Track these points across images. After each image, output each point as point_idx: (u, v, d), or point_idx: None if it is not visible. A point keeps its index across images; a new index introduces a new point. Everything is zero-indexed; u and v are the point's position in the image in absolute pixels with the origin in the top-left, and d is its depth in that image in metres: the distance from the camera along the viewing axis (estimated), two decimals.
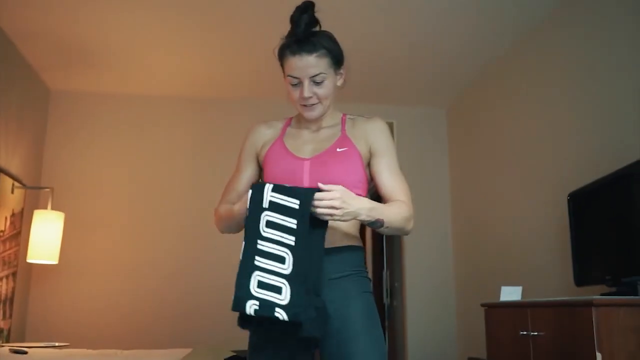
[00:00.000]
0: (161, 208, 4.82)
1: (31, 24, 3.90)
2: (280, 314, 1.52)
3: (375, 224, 1.67)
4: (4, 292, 4.05)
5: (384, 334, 5.95)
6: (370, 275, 6.05)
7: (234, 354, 2.98)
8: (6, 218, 4.06)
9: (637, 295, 2.47)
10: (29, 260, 4.12)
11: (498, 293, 3.62)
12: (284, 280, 1.55)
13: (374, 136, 1.84)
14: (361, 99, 4.89)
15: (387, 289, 6.09)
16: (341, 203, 1.55)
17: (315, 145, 1.85)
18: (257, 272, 1.56)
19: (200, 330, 4.70)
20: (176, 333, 4.69)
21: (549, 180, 3.67)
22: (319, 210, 1.54)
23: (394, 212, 1.72)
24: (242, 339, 3.79)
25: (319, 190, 1.58)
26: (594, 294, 2.73)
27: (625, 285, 2.53)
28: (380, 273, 6.25)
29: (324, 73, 1.76)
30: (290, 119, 1.98)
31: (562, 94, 3.57)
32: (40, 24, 3.91)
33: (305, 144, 1.86)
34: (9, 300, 4.15)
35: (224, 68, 4.61)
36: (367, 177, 1.86)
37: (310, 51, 1.74)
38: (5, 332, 4.07)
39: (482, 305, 3.20)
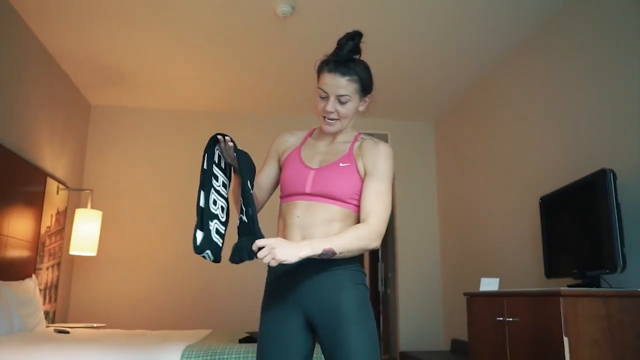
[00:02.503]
0: (186, 208, 4.83)
1: (75, 48, 3.93)
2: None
3: (326, 254, 1.55)
4: (49, 279, 4.07)
5: (379, 318, 6.00)
6: (367, 265, 6.16)
7: (248, 334, 3.01)
8: (52, 216, 4.10)
9: (599, 287, 2.49)
10: (71, 252, 4.13)
11: (478, 283, 3.63)
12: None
13: (372, 158, 1.76)
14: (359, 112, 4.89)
15: (382, 279, 6.09)
16: (279, 253, 1.49)
17: (324, 157, 1.80)
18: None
19: (219, 315, 4.72)
20: (198, 316, 4.70)
21: (524, 186, 3.65)
22: (264, 260, 1.51)
23: (345, 238, 1.58)
24: (254, 322, 3.83)
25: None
26: (562, 285, 2.73)
27: (589, 278, 2.55)
28: (376, 264, 6.25)
29: (350, 96, 1.74)
30: (314, 129, 1.95)
31: (536, 113, 3.56)
32: (83, 48, 3.94)
33: (317, 155, 1.82)
34: (54, 286, 4.18)
35: (245, 86, 4.59)
36: None
37: (344, 73, 1.72)
38: (50, 314, 4.10)
39: (464, 294, 3.19)
